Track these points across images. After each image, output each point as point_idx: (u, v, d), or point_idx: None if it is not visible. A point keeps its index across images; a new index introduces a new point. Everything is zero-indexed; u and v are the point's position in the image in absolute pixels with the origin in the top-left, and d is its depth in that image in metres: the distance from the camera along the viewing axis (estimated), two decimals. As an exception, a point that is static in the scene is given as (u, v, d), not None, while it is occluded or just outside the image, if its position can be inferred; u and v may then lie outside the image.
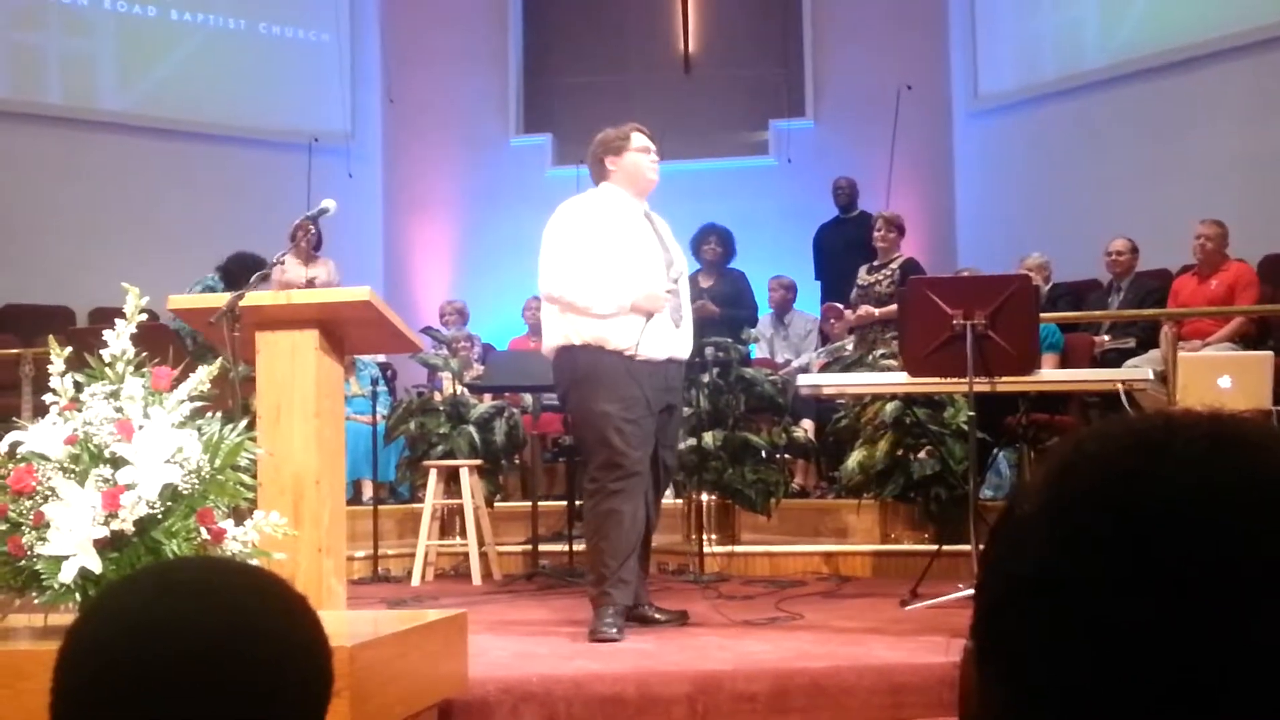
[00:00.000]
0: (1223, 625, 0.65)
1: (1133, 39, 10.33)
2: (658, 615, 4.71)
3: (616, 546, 4.47)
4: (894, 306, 7.25)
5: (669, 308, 4.65)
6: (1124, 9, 10.47)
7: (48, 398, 3.00)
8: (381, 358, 8.75)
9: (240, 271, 8.09)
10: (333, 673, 1.05)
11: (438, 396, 8.05)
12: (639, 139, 4.81)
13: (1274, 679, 0.65)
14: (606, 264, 4.57)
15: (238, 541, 2.90)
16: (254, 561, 2.73)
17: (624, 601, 4.47)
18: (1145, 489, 0.69)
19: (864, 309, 7.83)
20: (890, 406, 6.57)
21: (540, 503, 7.25)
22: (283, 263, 4.53)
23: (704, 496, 6.82)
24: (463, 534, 6.95)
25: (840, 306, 8.79)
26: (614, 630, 4.34)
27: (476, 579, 6.66)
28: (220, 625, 0.98)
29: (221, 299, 3.57)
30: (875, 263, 7.99)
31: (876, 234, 7.98)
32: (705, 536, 6.69)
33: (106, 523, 2.77)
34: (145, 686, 0.96)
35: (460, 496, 6.84)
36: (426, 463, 7.14)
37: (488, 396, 7.96)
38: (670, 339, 4.67)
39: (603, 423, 4.52)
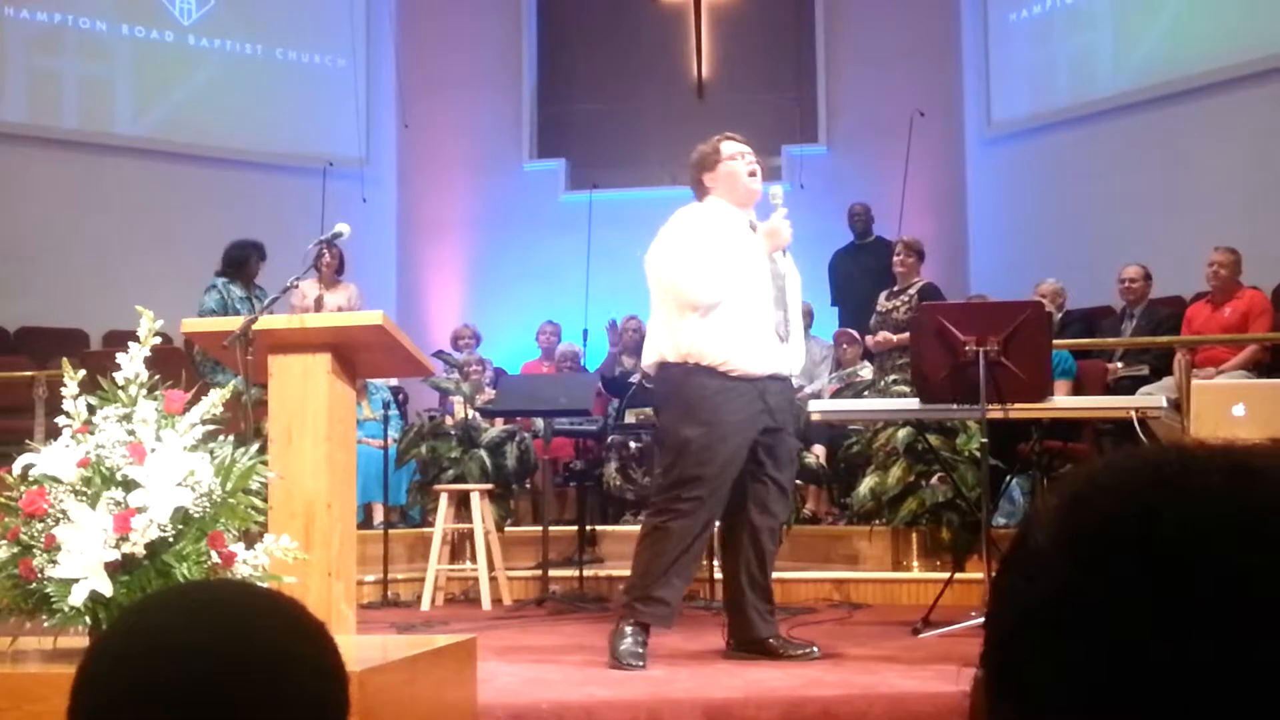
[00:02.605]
0: (1240, 659, 0.65)
1: (1146, 66, 10.33)
2: (793, 651, 4.43)
3: (656, 560, 4.35)
4: (905, 335, 7.25)
5: (775, 322, 4.47)
6: (1138, 36, 10.48)
7: (60, 420, 3.01)
8: (393, 381, 8.76)
9: (242, 259, 8.10)
10: (349, 699, 1.05)
11: (449, 420, 8.05)
12: (729, 146, 4.62)
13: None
14: (711, 257, 4.40)
15: (248, 565, 2.90)
16: (266, 585, 2.73)
17: (650, 620, 4.33)
18: (1161, 523, 0.68)
19: (882, 335, 7.82)
20: (903, 432, 6.56)
21: (551, 528, 7.23)
22: (297, 285, 4.55)
23: (715, 522, 6.78)
24: (473, 558, 6.94)
25: (854, 333, 8.79)
26: (631, 659, 4.20)
27: (486, 604, 6.65)
28: (244, 649, 0.98)
29: (235, 322, 3.59)
30: (895, 288, 7.99)
31: (896, 258, 8.00)
32: (716, 562, 6.66)
33: (117, 546, 2.78)
34: (166, 708, 0.95)
35: (471, 521, 6.84)
36: (437, 487, 7.14)
37: (499, 421, 7.96)
38: (772, 354, 4.46)
39: (681, 447, 4.38)
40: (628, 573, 7.28)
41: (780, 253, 4.60)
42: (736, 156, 4.58)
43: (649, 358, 4.63)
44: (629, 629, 4.32)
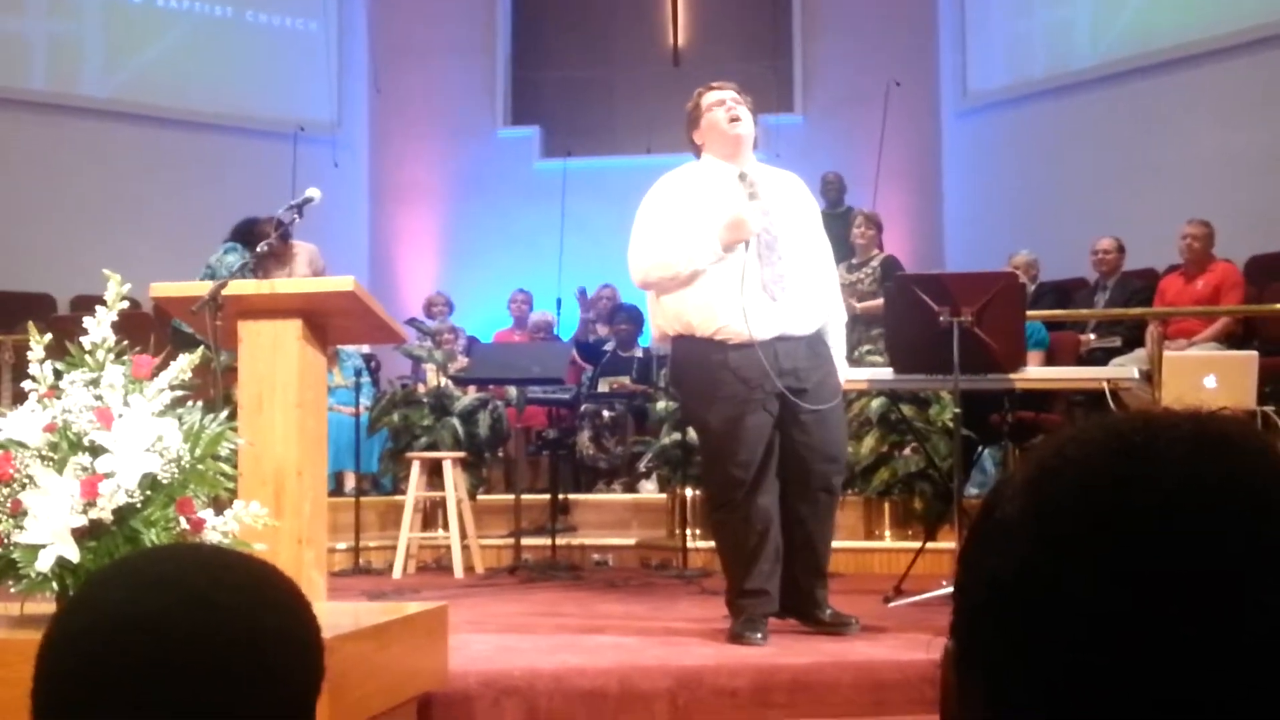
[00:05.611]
0: (1206, 627, 0.65)
1: (1122, 38, 10.34)
2: (827, 618, 4.30)
3: (737, 560, 4.20)
4: (877, 301, 7.27)
5: (763, 280, 4.16)
6: (1115, 8, 10.48)
7: (27, 385, 2.97)
8: (365, 348, 8.70)
9: (256, 236, 8.00)
10: (323, 664, 1.04)
11: (421, 388, 8.02)
12: (709, 97, 4.38)
13: (1258, 680, 0.65)
14: (682, 229, 4.18)
15: (217, 531, 2.87)
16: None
17: (762, 610, 4.18)
18: (1128, 492, 0.68)
19: (846, 303, 7.86)
20: (876, 403, 6.58)
21: (524, 496, 7.23)
22: (269, 250, 4.51)
23: (688, 491, 6.80)
24: (445, 526, 6.93)
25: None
26: (756, 635, 4.07)
27: (458, 572, 6.64)
28: (206, 619, 0.96)
29: (204, 287, 3.54)
30: (854, 260, 8.06)
31: (856, 230, 8.12)
32: (689, 531, 6.68)
33: (85, 511, 2.74)
34: (127, 679, 0.94)
35: (443, 489, 6.82)
36: (409, 454, 7.12)
37: (472, 389, 7.94)
38: (768, 314, 4.15)
39: (704, 432, 4.28)
40: (600, 541, 7.38)
41: (791, 203, 4.38)
42: (714, 106, 4.35)
43: (654, 332, 4.53)
44: (744, 617, 4.18)
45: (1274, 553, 0.66)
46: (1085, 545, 0.68)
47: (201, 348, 3.15)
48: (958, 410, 5.06)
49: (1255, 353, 6.31)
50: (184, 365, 3.00)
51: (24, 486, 2.78)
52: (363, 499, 7.41)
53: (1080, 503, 0.69)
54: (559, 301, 10.02)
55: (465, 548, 6.78)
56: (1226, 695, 0.65)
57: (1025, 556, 0.70)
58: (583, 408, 8.36)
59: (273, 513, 3.08)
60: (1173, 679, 0.65)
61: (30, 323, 3.13)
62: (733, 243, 4.15)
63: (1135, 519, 0.67)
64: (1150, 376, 6.55)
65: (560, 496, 7.64)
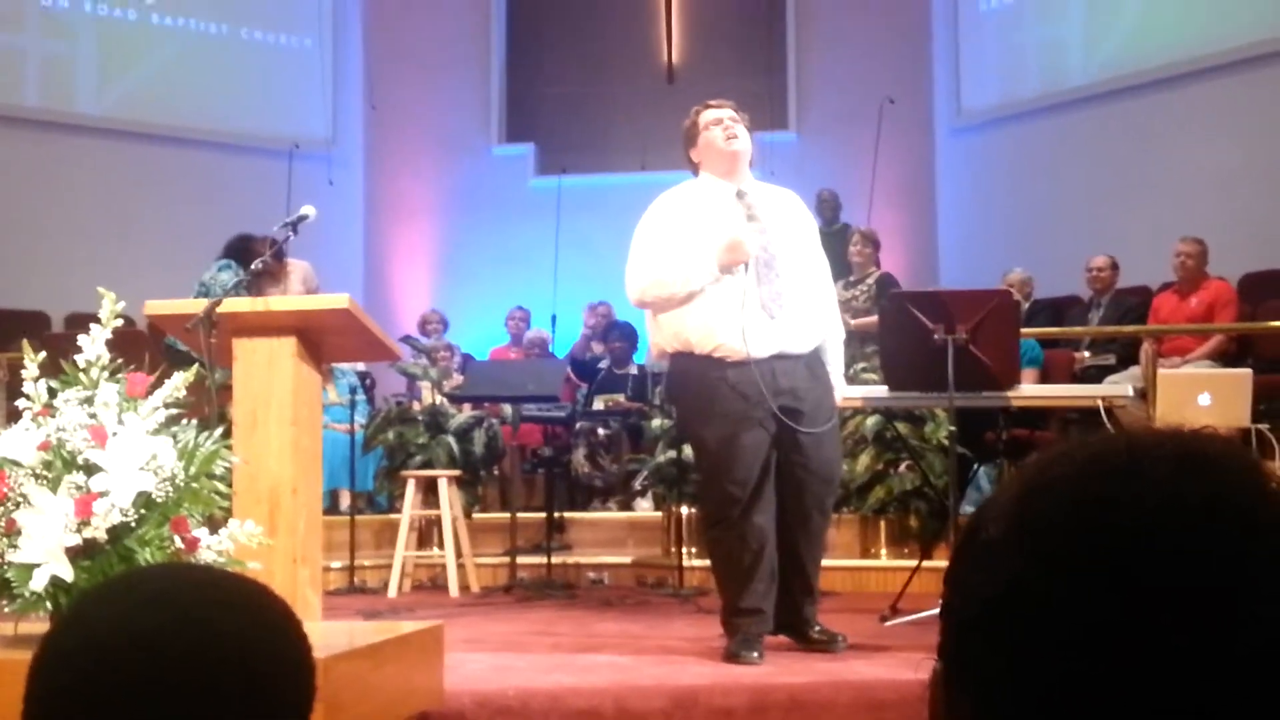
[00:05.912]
0: (1192, 645, 0.66)
1: (1115, 56, 10.38)
2: (815, 635, 4.33)
3: (730, 572, 4.21)
4: (872, 318, 7.28)
5: (761, 299, 4.17)
6: (1108, 26, 10.52)
7: (21, 403, 2.96)
8: (360, 366, 8.69)
9: (249, 253, 7.97)
10: (315, 685, 1.03)
11: (417, 406, 8.01)
12: (706, 115, 4.39)
13: (1254, 690, 0.65)
14: (679, 248, 4.18)
15: (212, 550, 2.86)
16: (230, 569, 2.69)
17: (757, 630, 4.18)
18: (1113, 512, 0.69)
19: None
20: (871, 421, 6.57)
21: (519, 514, 7.21)
22: (262, 268, 4.51)
23: (684, 509, 6.79)
24: (440, 545, 6.91)
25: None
26: (752, 655, 4.06)
27: (454, 590, 6.62)
28: (197, 639, 0.96)
29: (198, 305, 3.54)
30: (851, 278, 8.08)
31: (853, 249, 8.15)
32: (685, 550, 6.66)
33: (79, 530, 2.73)
34: (119, 697, 0.94)
35: (438, 507, 6.81)
36: (404, 472, 7.10)
37: (467, 406, 7.93)
38: (766, 332, 4.15)
39: (700, 449, 4.29)
40: (595, 559, 7.37)
41: (789, 221, 4.38)
42: (711, 125, 4.36)
43: (651, 349, 4.53)
44: (740, 636, 4.18)
45: (1263, 567, 0.67)
46: (1075, 561, 0.69)
47: (196, 365, 3.13)
48: (953, 428, 5.06)
49: (1249, 370, 6.32)
50: (178, 383, 2.99)
51: (18, 505, 2.77)
52: (358, 517, 7.39)
53: (1070, 520, 0.70)
54: (554, 319, 10.02)
55: (460, 566, 6.77)
56: (1221, 705, 0.65)
57: (1015, 573, 0.70)
58: (578, 425, 8.35)
59: (267, 531, 3.07)
60: (1167, 688, 0.66)
61: (24, 340, 3.12)
62: (730, 264, 4.16)
63: (1120, 539, 0.68)
64: (1145, 394, 6.56)
65: (555, 515, 7.63)
